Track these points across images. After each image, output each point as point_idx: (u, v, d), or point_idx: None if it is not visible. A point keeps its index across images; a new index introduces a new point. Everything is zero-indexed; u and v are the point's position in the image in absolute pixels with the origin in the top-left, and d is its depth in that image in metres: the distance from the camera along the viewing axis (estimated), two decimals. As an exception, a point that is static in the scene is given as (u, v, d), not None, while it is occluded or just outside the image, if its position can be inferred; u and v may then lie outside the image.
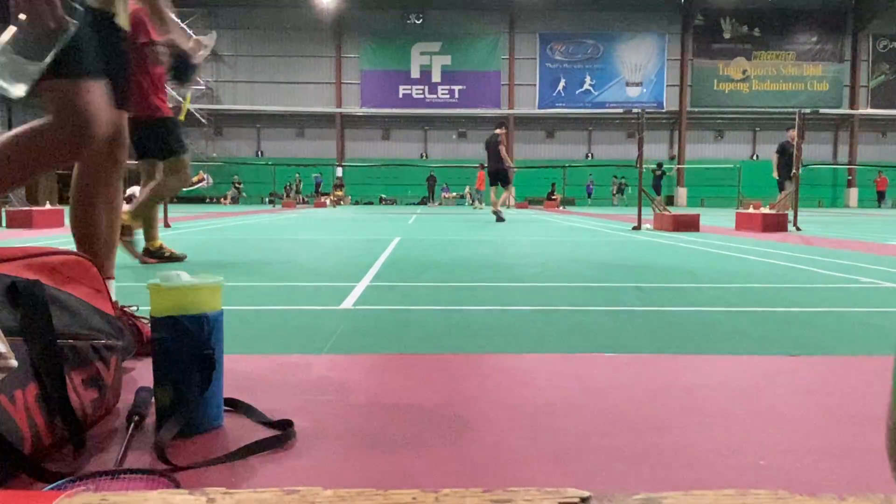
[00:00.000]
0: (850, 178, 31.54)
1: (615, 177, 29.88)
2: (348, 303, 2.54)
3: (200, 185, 23.89)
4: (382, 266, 3.88)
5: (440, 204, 28.12)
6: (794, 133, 10.54)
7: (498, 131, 11.09)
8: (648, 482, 0.87)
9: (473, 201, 20.28)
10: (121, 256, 4.36)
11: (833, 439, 1.04)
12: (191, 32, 30.11)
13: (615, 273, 3.59)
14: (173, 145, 4.00)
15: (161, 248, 4.05)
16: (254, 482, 0.86)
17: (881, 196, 29.21)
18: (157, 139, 3.96)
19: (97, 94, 1.50)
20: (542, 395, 1.27)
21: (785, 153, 10.96)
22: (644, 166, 8.75)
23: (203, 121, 30.59)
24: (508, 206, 11.25)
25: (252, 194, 30.40)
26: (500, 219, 10.84)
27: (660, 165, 23.69)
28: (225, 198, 28.68)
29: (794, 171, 9.22)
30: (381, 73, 30.74)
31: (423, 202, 28.86)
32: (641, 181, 8.59)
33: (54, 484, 0.79)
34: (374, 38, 30.77)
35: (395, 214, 14.06)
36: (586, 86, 31.37)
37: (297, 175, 28.09)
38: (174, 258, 4.06)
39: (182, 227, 8.28)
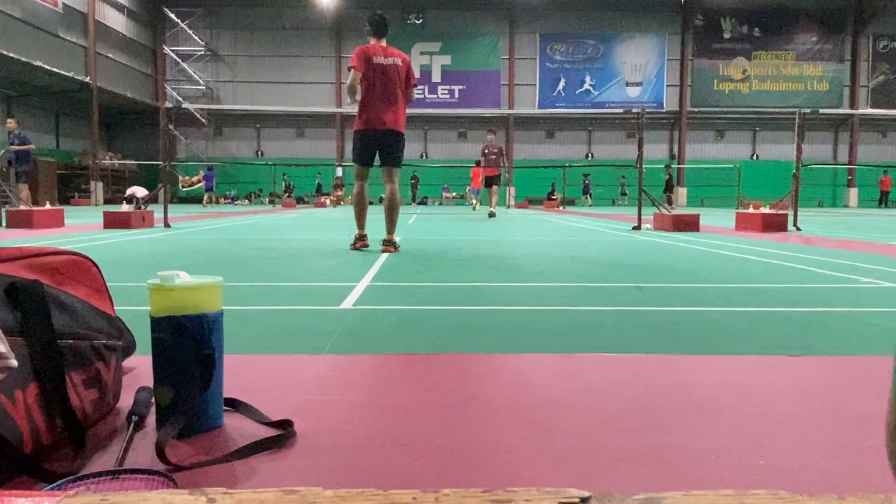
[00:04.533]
0: (850, 178, 31.53)
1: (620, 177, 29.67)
2: (348, 303, 2.54)
3: (200, 185, 23.91)
4: (382, 266, 3.88)
5: (441, 204, 28.12)
6: None
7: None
8: (648, 482, 0.87)
9: (473, 202, 20.25)
10: (115, 254, 4.37)
11: (833, 439, 1.04)
12: (191, 32, 30.11)
13: (615, 273, 3.59)
14: (399, 158, 5.16)
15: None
16: (254, 482, 0.85)
17: (884, 196, 28.94)
18: (398, 149, 5.10)
19: None
20: (542, 395, 1.27)
21: None
22: (645, 166, 8.76)
23: (203, 121, 30.59)
24: (496, 206, 13.17)
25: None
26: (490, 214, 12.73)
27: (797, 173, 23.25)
28: (225, 197, 28.68)
29: (794, 171, 9.21)
30: (381, 73, 30.70)
31: (424, 202, 28.86)
32: (641, 181, 8.59)
33: (54, 484, 0.79)
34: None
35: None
36: (586, 86, 31.35)
37: (284, 175, 28.09)
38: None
39: (182, 227, 8.28)
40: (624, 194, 29.44)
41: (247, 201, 28.52)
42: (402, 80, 5.10)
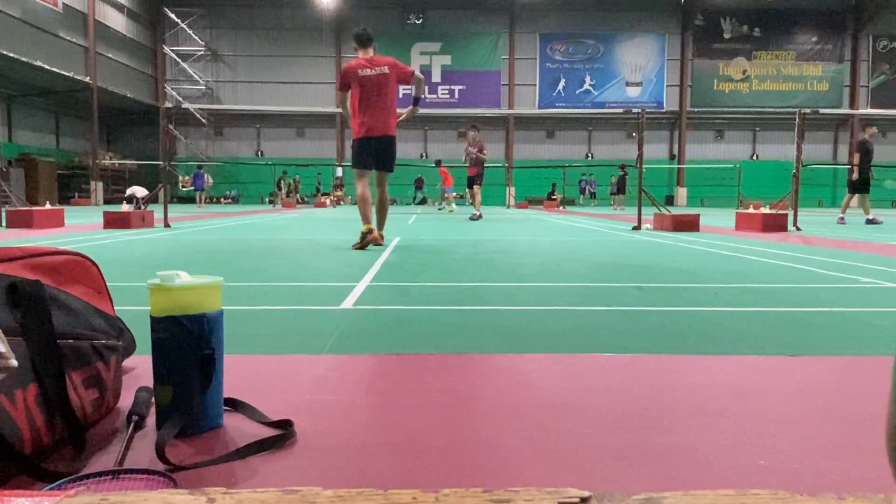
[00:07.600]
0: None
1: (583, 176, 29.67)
2: (348, 303, 2.54)
3: (192, 186, 23.84)
4: (382, 266, 3.88)
5: (436, 203, 28.10)
6: (873, 130, 10.39)
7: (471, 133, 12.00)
8: (648, 482, 0.87)
9: (442, 203, 19.11)
10: (115, 254, 4.37)
11: (833, 439, 1.04)
12: (191, 32, 30.14)
13: (615, 273, 3.59)
14: (393, 163, 5.48)
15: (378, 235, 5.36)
16: (254, 482, 0.85)
17: None
18: (393, 154, 5.42)
19: None
20: (542, 395, 1.27)
21: (868, 153, 10.63)
22: (645, 166, 8.76)
23: (203, 121, 30.59)
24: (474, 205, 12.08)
25: (252, 194, 30.43)
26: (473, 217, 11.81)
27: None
28: (225, 197, 28.67)
29: (794, 171, 9.21)
30: (381, 73, 30.71)
31: (424, 202, 28.88)
32: (641, 181, 8.59)
33: (54, 484, 0.79)
34: (374, 38, 30.74)
35: (394, 214, 14.06)
36: (586, 86, 31.36)
37: (297, 175, 28.13)
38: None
39: (182, 227, 8.28)
40: (613, 193, 29.24)
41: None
42: (393, 84, 5.41)
